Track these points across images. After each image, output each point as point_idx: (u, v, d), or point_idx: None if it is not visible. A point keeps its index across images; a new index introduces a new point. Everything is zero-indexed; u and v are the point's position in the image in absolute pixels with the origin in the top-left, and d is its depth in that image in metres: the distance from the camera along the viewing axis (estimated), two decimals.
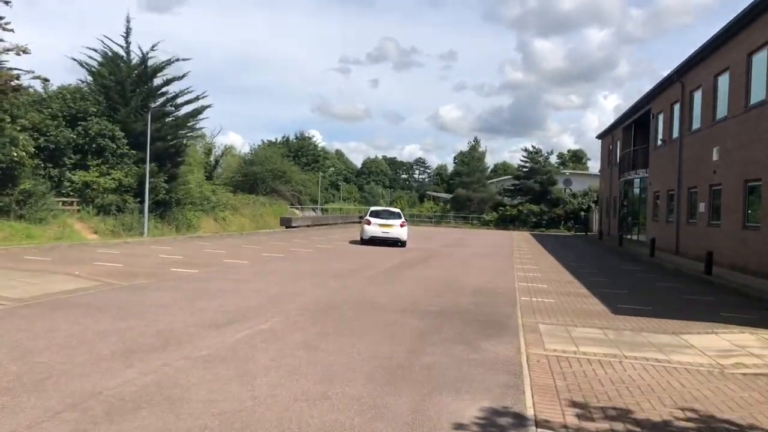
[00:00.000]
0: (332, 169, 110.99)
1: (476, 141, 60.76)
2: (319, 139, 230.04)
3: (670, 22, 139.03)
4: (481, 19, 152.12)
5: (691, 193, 22.75)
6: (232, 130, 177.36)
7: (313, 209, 57.47)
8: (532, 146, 57.94)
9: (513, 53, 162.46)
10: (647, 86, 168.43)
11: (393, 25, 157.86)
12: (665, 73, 27.58)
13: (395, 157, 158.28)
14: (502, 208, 54.69)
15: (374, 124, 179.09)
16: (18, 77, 20.58)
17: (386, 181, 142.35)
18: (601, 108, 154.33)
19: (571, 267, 18.21)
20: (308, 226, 36.78)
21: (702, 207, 21.14)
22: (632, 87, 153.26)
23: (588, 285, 13.77)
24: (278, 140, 74.71)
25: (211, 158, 63.52)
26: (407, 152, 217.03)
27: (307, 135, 76.92)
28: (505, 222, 53.33)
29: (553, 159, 61.61)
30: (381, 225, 24.33)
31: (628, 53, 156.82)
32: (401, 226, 24.40)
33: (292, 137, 76.13)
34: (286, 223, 34.19)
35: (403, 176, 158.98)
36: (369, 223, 24.44)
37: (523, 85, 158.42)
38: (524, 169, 56.91)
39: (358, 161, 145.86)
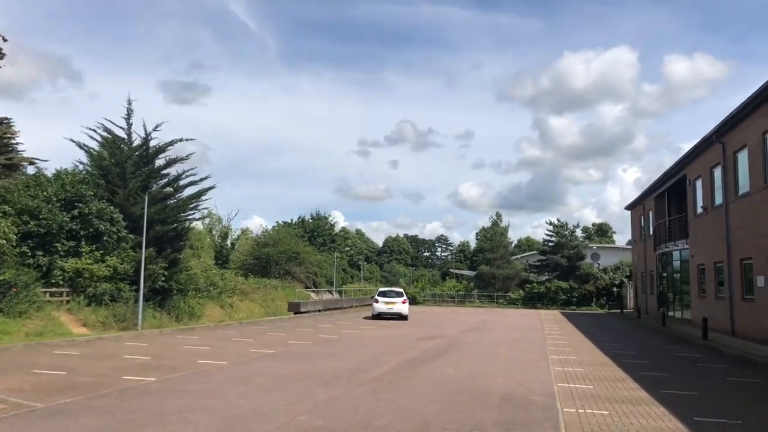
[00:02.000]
0: (348, 248, 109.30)
1: (497, 216, 58.67)
2: (341, 220, 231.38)
3: (684, 96, 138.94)
4: (496, 100, 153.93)
5: (744, 264, 19.86)
6: (257, 214, 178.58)
7: (329, 291, 55.10)
8: (558, 220, 55.56)
9: (529, 131, 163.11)
10: (667, 159, 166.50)
11: (410, 107, 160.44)
12: (684, 146, 25.29)
13: (416, 235, 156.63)
14: (528, 285, 52.83)
15: (395, 204, 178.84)
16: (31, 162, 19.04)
17: (408, 259, 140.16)
18: (621, 181, 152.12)
19: (616, 356, 15.34)
20: (320, 311, 34.52)
21: (761, 281, 18.20)
22: (651, 160, 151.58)
23: (645, 384, 10.92)
24: (294, 221, 73.29)
25: (228, 242, 62.62)
26: (429, 230, 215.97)
27: (324, 215, 75.54)
28: (533, 300, 51.40)
29: (578, 233, 58.88)
30: (386, 303, 29.94)
31: (645, 127, 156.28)
32: (403, 303, 30.12)
33: (308, 217, 74.66)
34: (295, 308, 31.88)
35: (425, 254, 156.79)
36: (377, 301, 30.34)
37: (541, 161, 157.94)
38: (550, 244, 54.89)
39: (380, 240, 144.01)
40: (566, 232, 54.89)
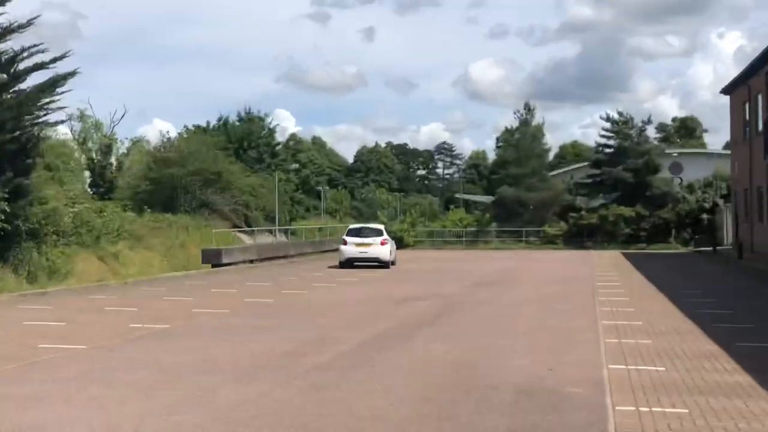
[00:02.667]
0: (300, 166, 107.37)
1: (528, 110, 57.89)
2: (290, 124, 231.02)
3: None
4: None
5: None
6: (157, 116, 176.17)
7: (271, 232, 55.05)
8: (619, 113, 55.07)
9: None
10: None
11: None
12: None
13: (406, 144, 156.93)
14: (574, 214, 53.00)
15: (372, 97, 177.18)
16: None
17: (392, 181, 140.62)
18: (715, 52, 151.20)
19: (705, 319, 15.08)
20: (252, 261, 34.37)
21: None
22: (761, 18, 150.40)
23: (749, 363, 10.55)
24: (213, 125, 71.77)
25: (111, 159, 61.62)
26: (425, 137, 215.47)
27: (260, 115, 73.86)
28: (581, 236, 51.99)
29: (651, 132, 58.58)
30: (358, 244, 32.02)
31: None
32: (382, 243, 32.09)
33: (234, 119, 73.01)
34: (213, 258, 31.85)
35: (419, 171, 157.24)
36: (345, 243, 32.49)
37: (594, 24, 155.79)
38: (607, 150, 54.87)
39: (350, 153, 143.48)
40: (632, 132, 54.81)
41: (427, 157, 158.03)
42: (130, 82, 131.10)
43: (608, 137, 55.96)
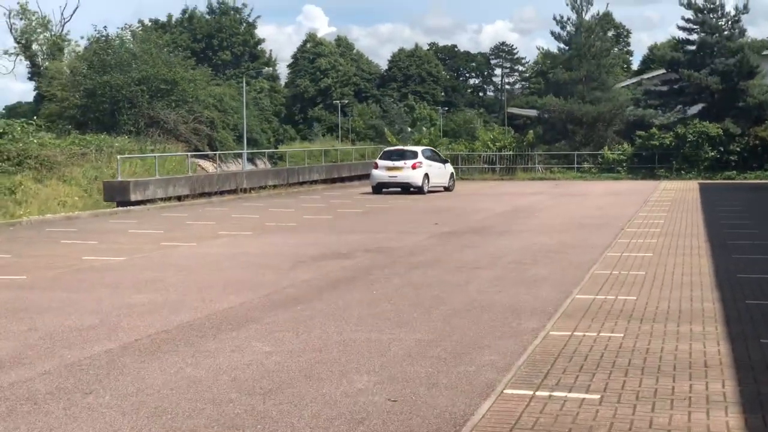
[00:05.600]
0: (316, 73, 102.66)
1: None
2: (323, 22, 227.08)
3: None
4: None
5: None
6: (118, 11, 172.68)
7: (251, 159, 52.27)
8: None
9: None
10: None
11: None
12: None
13: (455, 47, 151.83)
14: (642, 133, 50.37)
15: None
16: None
17: (438, 93, 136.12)
18: None
19: None
20: (181, 198, 32.53)
21: None
22: None
23: None
24: (173, 20, 67.60)
25: (65, 66, 58.83)
26: (488, 38, 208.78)
27: (235, 5, 69.46)
28: (650, 161, 49.72)
29: (765, 28, 54.28)
30: (389, 168, 36.37)
31: None
32: (413, 167, 35.93)
33: (203, 10, 68.77)
34: (117, 194, 29.22)
35: (472, 81, 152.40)
36: (377, 166, 37.16)
37: None
38: (687, 48, 50.32)
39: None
40: (720, 22, 50.69)
41: (481, 63, 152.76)
42: None
43: (689, 30, 51.69)
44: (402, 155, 36.95)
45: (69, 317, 11.00)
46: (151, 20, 65.43)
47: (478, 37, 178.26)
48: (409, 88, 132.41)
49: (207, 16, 67.82)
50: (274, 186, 39.05)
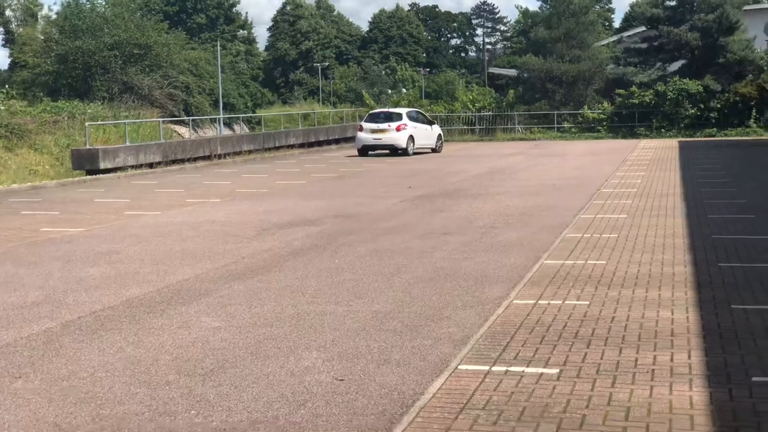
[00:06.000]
0: (305, 39, 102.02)
1: None
2: None
3: None
4: None
5: None
6: None
7: (228, 124, 51.63)
8: None
9: None
10: None
11: None
12: None
13: (436, 7, 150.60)
14: (621, 93, 50.16)
15: None
16: None
17: (420, 54, 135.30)
18: None
19: None
20: (153, 165, 31.94)
21: None
22: None
23: None
24: None
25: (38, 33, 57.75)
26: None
27: None
28: (631, 120, 49.48)
29: None
30: (374, 131, 36.74)
31: None
32: (398, 129, 36.22)
33: None
34: (86, 162, 28.76)
35: (454, 41, 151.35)
36: (362, 129, 37.51)
37: None
38: (666, 3, 50.42)
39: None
40: None
41: (463, 23, 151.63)
42: None
43: None
44: (387, 117, 37.40)
45: (13, 293, 10.51)
46: None
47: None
48: (390, 49, 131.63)
49: None
50: (250, 151, 38.50)
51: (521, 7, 52.79)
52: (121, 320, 9.11)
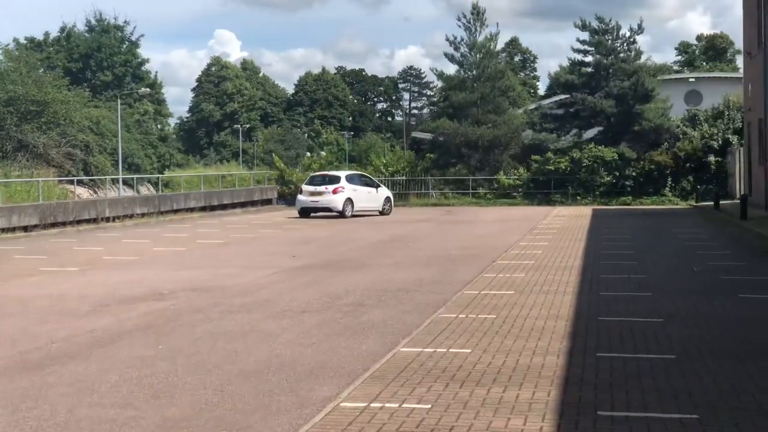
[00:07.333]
0: (230, 100, 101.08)
1: (477, 14, 52.47)
2: (235, 47, 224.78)
3: None
4: None
5: None
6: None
7: (133, 186, 49.77)
8: (598, 18, 50.20)
9: None
10: None
11: None
12: None
13: (363, 71, 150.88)
14: (537, 158, 49.70)
15: (335, 14, 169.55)
16: None
17: (345, 118, 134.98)
18: None
19: None
20: (43, 226, 31.27)
21: None
22: None
23: None
24: (52, 38, 64.58)
25: None
26: (401, 62, 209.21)
27: (116, 23, 66.16)
28: (546, 186, 48.83)
29: (670, 55, 53.56)
30: (311, 193, 37.88)
31: None
32: (335, 192, 37.38)
33: (81, 27, 65.67)
34: None
35: (380, 105, 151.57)
36: (301, 191, 38.80)
37: None
38: (582, 70, 50.06)
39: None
40: (616, 44, 50.53)
41: (389, 87, 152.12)
42: None
43: (584, 52, 50.80)
44: (326, 180, 38.59)
45: None
46: (26, 38, 62.43)
47: (390, 63, 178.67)
48: (315, 112, 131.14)
49: (86, 35, 64.76)
50: (143, 215, 36.72)
51: (436, 70, 52.34)
52: None
